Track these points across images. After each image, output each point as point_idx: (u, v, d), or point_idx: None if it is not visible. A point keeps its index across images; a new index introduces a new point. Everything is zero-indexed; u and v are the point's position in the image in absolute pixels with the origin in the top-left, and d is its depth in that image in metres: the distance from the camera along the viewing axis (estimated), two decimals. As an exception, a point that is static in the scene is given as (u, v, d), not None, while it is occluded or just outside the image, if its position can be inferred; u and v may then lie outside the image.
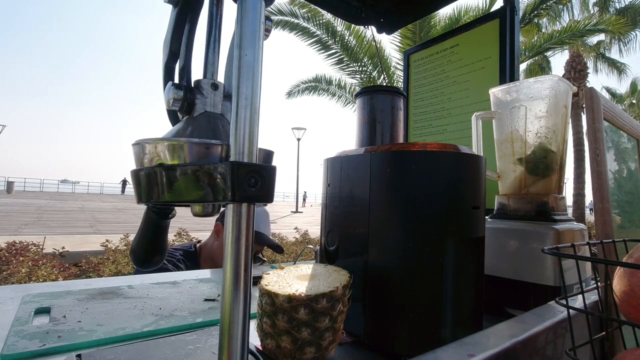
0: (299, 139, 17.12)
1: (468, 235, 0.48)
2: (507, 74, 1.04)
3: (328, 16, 6.63)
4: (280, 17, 7.81)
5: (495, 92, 0.80)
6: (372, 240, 0.48)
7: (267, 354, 0.41)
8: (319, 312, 0.38)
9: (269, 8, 0.36)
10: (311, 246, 0.71)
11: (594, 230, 1.09)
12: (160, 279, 0.81)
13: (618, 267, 0.43)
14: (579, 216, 9.82)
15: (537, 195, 0.70)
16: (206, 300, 0.66)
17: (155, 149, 0.34)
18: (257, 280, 0.46)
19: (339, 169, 0.54)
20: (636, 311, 0.39)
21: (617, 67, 13.93)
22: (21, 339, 0.46)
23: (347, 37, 7.10)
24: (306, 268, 0.47)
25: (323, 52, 7.33)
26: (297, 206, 19.36)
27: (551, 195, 0.69)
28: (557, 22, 11.55)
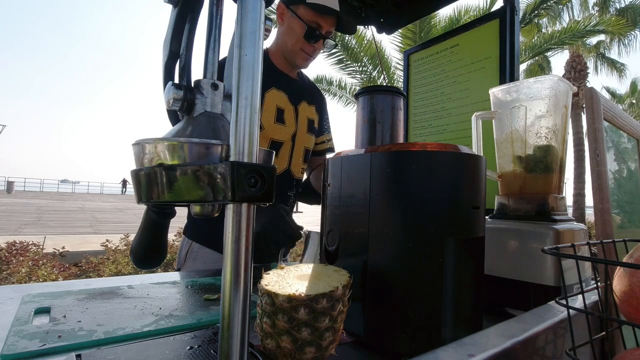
0: (299, 139, 17.06)
1: (468, 235, 0.48)
2: (507, 74, 1.04)
3: (328, 16, 6.61)
4: (281, 17, 7.78)
5: (495, 92, 0.80)
6: (372, 240, 0.48)
7: (267, 354, 0.41)
8: (319, 312, 0.38)
9: (269, 8, 0.36)
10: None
11: (594, 230, 1.09)
12: (160, 279, 0.81)
13: (618, 267, 0.43)
14: (579, 216, 9.82)
15: (537, 195, 0.70)
16: (206, 300, 0.66)
17: (155, 149, 0.34)
18: (257, 280, 0.46)
19: (339, 169, 0.54)
20: (636, 311, 0.39)
21: (617, 68, 13.93)
22: (21, 338, 0.46)
23: (347, 37, 7.10)
24: (306, 268, 0.47)
25: (323, 52, 7.32)
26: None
27: (551, 195, 0.69)
28: (557, 22, 11.55)
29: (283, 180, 1.16)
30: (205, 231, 1.15)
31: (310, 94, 1.25)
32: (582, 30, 8.18)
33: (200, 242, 1.13)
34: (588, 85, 12.47)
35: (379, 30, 1.42)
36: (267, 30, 0.38)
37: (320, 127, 1.30)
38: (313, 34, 1.06)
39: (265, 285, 0.41)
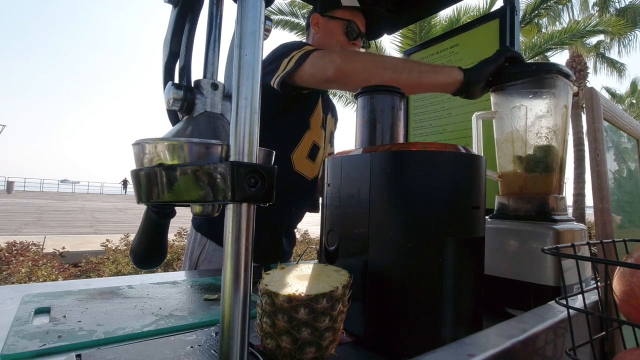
0: (299, 139, 17.07)
1: (468, 235, 0.48)
2: (507, 74, 1.04)
3: (328, 16, 6.62)
4: (281, 17, 7.81)
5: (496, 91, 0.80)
6: (372, 240, 0.48)
7: (267, 354, 0.41)
8: (319, 312, 0.38)
9: (269, 8, 0.36)
10: (314, 246, 0.71)
11: (594, 230, 1.09)
12: (160, 279, 0.81)
13: (618, 267, 0.43)
14: (579, 216, 9.83)
15: (537, 195, 0.70)
16: (206, 300, 0.66)
17: (155, 149, 0.34)
18: (257, 280, 0.46)
19: (339, 169, 0.54)
20: (636, 311, 0.39)
21: (617, 68, 13.94)
22: (21, 339, 0.46)
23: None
24: (306, 268, 0.47)
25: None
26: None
27: (551, 195, 0.69)
28: (557, 22, 11.55)
29: (315, 186, 1.18)
30: (221, 230, 1.13)
31: (333, 108, 1.30)
32: (582, 30, 8.19)
33: (217, 241, 1.11)
34: (588, 85, 12.48)
35: (379, 30, 1.42)
36: (267, 30, 0.38)
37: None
38: (352, 30, 1.12)
39: (265, 285, 0.41)
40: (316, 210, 1.35)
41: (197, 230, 1.14)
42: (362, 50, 1.20)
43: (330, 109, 1.25)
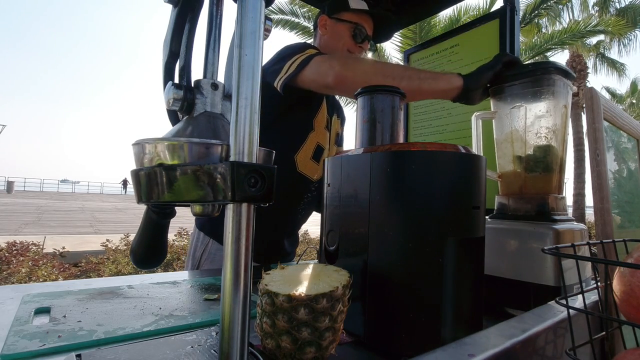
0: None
1: (468, 235, 0.48)
2: (507, 74, 1.04)
3: (328, 16, 6.62)
4: (281, 17, 7.81)
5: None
6: (372, 240, 0.48)
7: (267, 354, 0.41)
8: (319, 312, 0.38)
9: (269, 7, 0.36)
10: (314, 246, 0.71)
11: (594, 230, 1.09)
12: (160, 279, 0.81)
13: (618, 267, 0.43)
14: (579, 216, 9.83)
15: (537, 195, 0.70)
16: (206, 300, 0.66)
17: (155, 149, 0.34)
18: (257, 280, 0.46)
19: (339, 169, 0.54)
20: (636, 311, 0.39)
21: (617, 68, 13.94)
22: (21, 338, 0.46)
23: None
24: (306, 268, 0.47)
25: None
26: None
27: (551, 195, 0.69)
28: (557, 22, 11.55)
29: (321, 188, 1.18)
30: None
31: (340, 109, 1.29)
32: (582, 30, 8.19)
33: (219, 241, 1.11)
34: (588, 85, 12.48)
35: (379, 30, 1.43)
36: (267, 30, 0.38)
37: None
38: (359, 33, 1.12)
39: (265, 285, 0.41)
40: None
41: (199, 230, 1.15)
42: (369, 53, 1.20)
43: (336, 110, 1.24)
